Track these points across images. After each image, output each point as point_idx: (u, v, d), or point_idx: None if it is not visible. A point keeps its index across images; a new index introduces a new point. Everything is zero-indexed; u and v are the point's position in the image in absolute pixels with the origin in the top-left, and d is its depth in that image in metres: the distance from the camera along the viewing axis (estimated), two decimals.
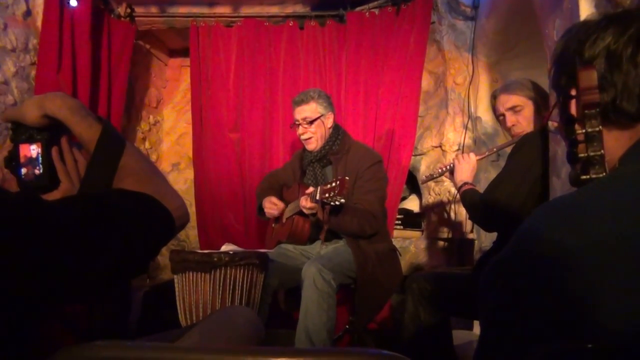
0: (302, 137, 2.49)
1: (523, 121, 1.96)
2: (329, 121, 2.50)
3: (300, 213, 2.39)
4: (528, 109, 1.95)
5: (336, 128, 2.53)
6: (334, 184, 2.08)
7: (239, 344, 1.06)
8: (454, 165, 2.10)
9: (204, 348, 0.63)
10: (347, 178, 2.08)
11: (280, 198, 2.61)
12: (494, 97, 2.08)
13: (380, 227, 2.41)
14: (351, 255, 2.28)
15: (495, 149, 2.20)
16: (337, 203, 2.08)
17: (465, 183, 2.00)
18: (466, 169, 2.03)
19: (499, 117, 2.08)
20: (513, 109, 1.97)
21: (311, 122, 2.45)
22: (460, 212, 3.07)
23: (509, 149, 1.95)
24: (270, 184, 2.75)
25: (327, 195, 2.09)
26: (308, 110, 2.45)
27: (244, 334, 1.12)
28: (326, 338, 2.02)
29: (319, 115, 2.45)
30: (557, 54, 0.83)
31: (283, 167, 2.82)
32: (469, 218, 2.06)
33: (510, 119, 1.98)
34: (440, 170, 2.23)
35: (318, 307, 2.01)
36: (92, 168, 0.78)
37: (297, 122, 2.50)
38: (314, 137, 2.47)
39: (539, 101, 1.95)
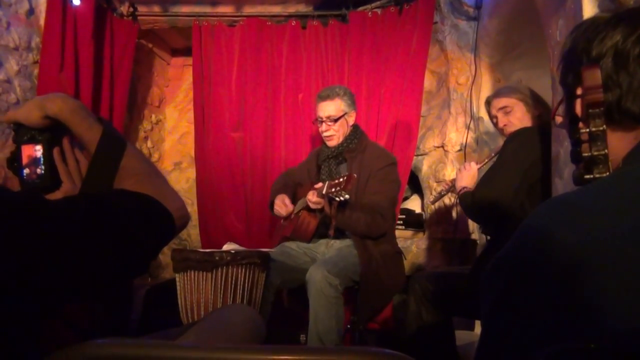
0: (325, 134, 2.50)
1: (515, 121, 2.01)
2: (351, 119, 2.51)
3: (307, 209, 2.39)
4: (518, 109, 2.01)
5: (355, 126, 2.55)
6: (340, 179, 2.10)
7: (239, 342, 1.06)
8: (455, 178, 2.16)
9: (204, 346, 0.63)
10: (354, 175, 2.10)
11: (294, 197, 2.62)
12: (487, 103, 2.15)
13: (388, 229, 2.40)
14: (356, 257, 2.27)
15: (493, 154, 2.22)
16: (341, 198, 2.10)
17: (464, 187, 2.04)
18: (466, 176, 2.07)
19: (492, 120, 2.15)
20: (503, 109, 2.03)
21: (335, 121, 2.45)
22: (462, 213, 3.07)
23: None
24: (285, 182, 2.73)
25: (333, 190, 2.10)
26: (333, 108, 2.45)
27: (244, 332, 1.12)
28: (336, 339, 2.06)
29: (343, 113, 2.46)
30: (565, 51, 0.82)
31: (299, 166, 2.82)
32: (468, 217, 2.10)
33: (501, 119, 2.05)
34: (447, 187, 2.31)
35: (327, 312, 2.04)
36: (93, 169, 0.78)
37: (320, 119, 2.49)
38: (336, 135, 2.48)
39: (529, 101, 2.01)
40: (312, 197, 2.27)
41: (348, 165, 2.46)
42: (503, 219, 1.80)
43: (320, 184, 2.28)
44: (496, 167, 1.89)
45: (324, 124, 2.48)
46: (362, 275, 2.25)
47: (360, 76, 3.21)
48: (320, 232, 2.46)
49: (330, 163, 2.53)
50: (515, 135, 1.90)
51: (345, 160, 2.49)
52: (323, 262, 2.22)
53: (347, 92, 2.51)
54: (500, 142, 2.70)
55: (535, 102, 2.00)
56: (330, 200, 2.19)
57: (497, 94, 2.11)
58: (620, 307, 0.51)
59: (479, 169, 2.12)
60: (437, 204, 3.26)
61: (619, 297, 0.51)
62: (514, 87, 2.08)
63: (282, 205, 2.53)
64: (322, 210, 2.29)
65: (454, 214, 3.16)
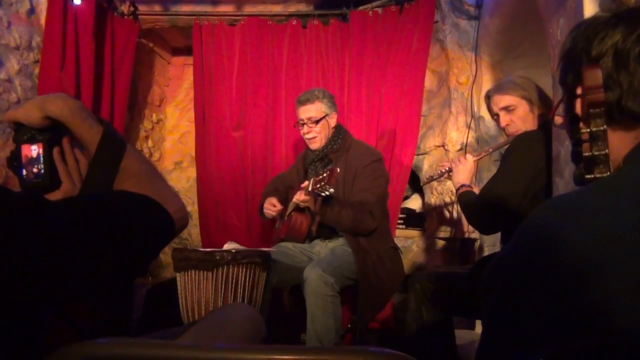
0: (307, 136, 2.52)
1: (517, 120, 1.95)
2: (333, 121, 2.53)
3: (298, 209, 2.41)
4: (522, 108, 1.95)
5: (338, 127, 2.56)
6: (324, 175, 2.11)
7: (239, 341, 1.06)
8: (452, 168, 2.12)
9: (204, 346, 0.63)
10: (337, 168, 2.11)
11: (286, 200, 2.62)
12: (487, 97, 2.08)
13: (379, 226, 2.38)
14: (351, 256, 2.27)
15: (491, 149, 2.22)
16: (326, 193, 2.10)
17: (463, 185, 2.01)
18: (463, 171, 2.04)
19: (493, 116, 2.08)
20: (506, 108, 1.96)
21: (317, 122, 2.47)
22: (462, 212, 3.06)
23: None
24: (276, 186, 2.76)
25: (317, 185, 2.11)
26: (313, 110, 2.47)
27: (245, 331, 1.12)
28: (335, 337, 2.05)
29: (323, 115, 2.48)
30: (565, 51, 0.82)
31: (289, 170, 2.84)
32: (466, 219, 2.06)
33: (504, 118, 1.98)
34: (440, 172, 2.26)
35: (323, 311, 2.04)
36: (93, 170, 0.79)
37: (301, 122, 2.52)
38: (318, 137, 2.49)
39: (533, 99, 1.94)
40: (299, 197, 2.29)
41: (334, 166, 2.44)
42: (505, 224, 1.76)
43: (306, 183, 2.30)
44: (503, 169, 1.84)
45: (305, 126, 2.50)
46: (360, 273, 2.25)
47: (360, 75, 3.21)
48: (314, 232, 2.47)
49: (317, 166, 2.54)
50: (521, 142, 1.84)
51: (331, 161, 2.50)
52: (318, 261, 2.23)
53: (327, 94, 2.54)
54: (501, 140, 2.71)
55: (539, 100, 1.94)
56: (315, 196, 2.20)
57: (499, 89, 2.01)
58: (622, 306, 0.51)
59: (475, 161, 2.08)
60: (437, 203, 3.26)
61: (621, 296, 0.51)
62: (518, 83, 1.97)
63: (271, 206, 2.54)
64: (309, 207, 2.30)
65: (454, 213, 3.16)
